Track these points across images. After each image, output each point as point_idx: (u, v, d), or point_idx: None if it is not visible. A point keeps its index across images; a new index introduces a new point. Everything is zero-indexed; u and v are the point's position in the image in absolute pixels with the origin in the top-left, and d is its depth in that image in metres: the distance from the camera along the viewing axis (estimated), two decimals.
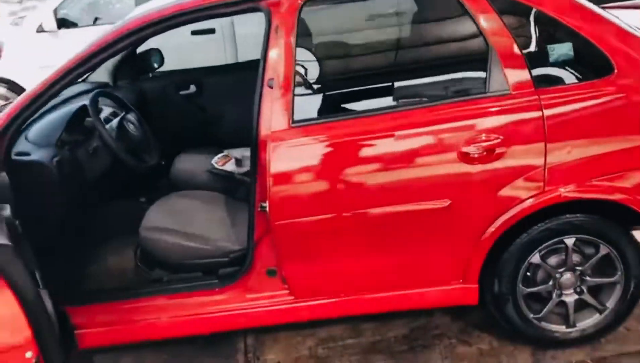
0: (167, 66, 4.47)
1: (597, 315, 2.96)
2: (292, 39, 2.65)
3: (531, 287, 2.90)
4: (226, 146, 3.89)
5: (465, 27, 2.71)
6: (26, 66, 6.40)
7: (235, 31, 6.68)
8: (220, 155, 3.78)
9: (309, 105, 2.80)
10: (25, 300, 1.87)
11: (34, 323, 1.88)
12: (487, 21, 2.64)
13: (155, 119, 3.90)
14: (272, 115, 2.68)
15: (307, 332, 3.30)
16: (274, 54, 2.70)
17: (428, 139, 2.66)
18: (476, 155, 2.62)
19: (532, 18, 2.84)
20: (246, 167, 3.68)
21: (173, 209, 3.28)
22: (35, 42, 6.59)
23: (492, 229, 2.75)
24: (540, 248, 2.82)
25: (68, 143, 3.18)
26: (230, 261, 3.05)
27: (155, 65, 4.37)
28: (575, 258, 2.87)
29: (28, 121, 2.91)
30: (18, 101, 2.81)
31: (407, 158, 2.66)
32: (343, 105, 2.85)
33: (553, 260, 2.88)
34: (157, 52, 4.30)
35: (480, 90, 2.67)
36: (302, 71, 2.69)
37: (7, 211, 2.30)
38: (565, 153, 2.66)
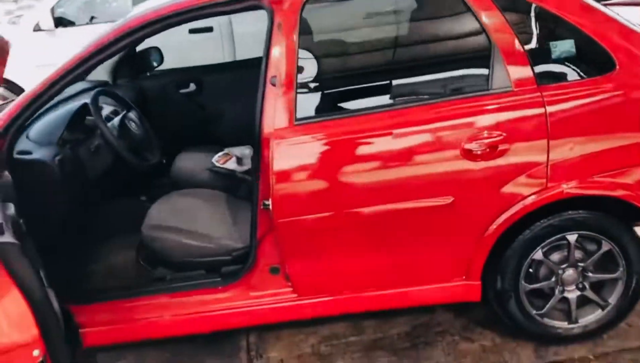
0: (165, 65, 4.47)
1: (599, 311, 2.97)
2: (295, 37, 2.65)
3: (534, 284, 2.91)
4: (226, 144, 3.89)
5: (467, 24, 2.71)
6: (23, 65, 6.38)
7: (233, 30, 6.68)
8: (220, 153, 3.78)
9: (312, 103, 2.80)
10: (32, 298, 1.87)
11: (41, 322, 1.88)
12: (490, 18, 2.64)
13: (155, 118, 3.90)
14: (274, 113, 2.68)
15: (309, 329, 3.30)
16: (277, 51, 2.70)
17: (431, 137, 2.66)
18: (479, 152, 2.63)
19: (534, 15, 2.84)
20: (247, 165, 3.68)
21: (175, 207, 3.28)
22: (32, 41, 6.58)
23: (494, 226, 2.75)
24: (542, 244, 2.83)
25: (69, 141, 3.18)
26: (233, 259, 3.05)
27: (155, 63, 4.37)
28: (578, 254, 2.88)
29: (29, 120, 2.91)
30: (19, 100, 2.80)
31: (410, 155, 2.66)
32: (346, 103, 2.86)
33: (555, 257, 2.88)
34: (157, 50, 4.29)
35: (483, 87, 2.68)
36: (305, 68, 2.66)
37: (12, 209, 2.30)
38: (568, 149, 2.66)
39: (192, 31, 6.36)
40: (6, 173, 2.65)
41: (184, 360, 3.22)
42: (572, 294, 2.93)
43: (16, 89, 6.32)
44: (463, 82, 2.79)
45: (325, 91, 2.89)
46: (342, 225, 2.74)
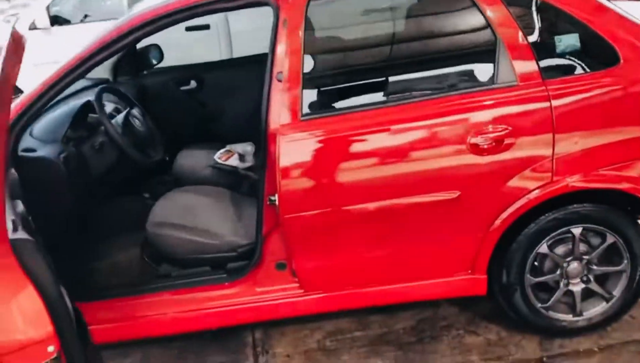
0: (163, 63, 4.45)
1: (604, 303, 2.99)
2: (300, 33, 2.65)
3: (539, 277, 2.92)
4: (227, 141, 3.89)
5: (473, 18, 2.72)
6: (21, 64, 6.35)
7: (230, 27, 6.67)
8: (222, 150, 3.78)
9: (318, 98, 2.81)
10: (46, 294, 1.87)
11: (55, 318, 1.88)
12: (495, 12, 2.65)
13: (156, 115, 3.88)
14: (281, 109, 2.68)
15: (314, 325, 3.30)
16: (282, 47, 2.70)
17: (437, 131, 2.67)
18: (485, 146, 2.64)
19: (538, 9, 2.85)
20: (249, 162, 3.69)
21: (179, 204, 3.28)
22: (28, 40, 6.53)
23: (500, 220, 2.77)
24: (548, 237, 2.84)
25: (73, 139, 3.17)
26: (238, 255, 3.06)
27: (154, 61, 4.35)
28: (582, 247, 2.89)
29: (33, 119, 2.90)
30: (23, 99, 2.80)
31: (416, 150, 2.67)
32: (352, 98, 2.86)
33: (560, 250, 2.90)
34: (157, 48, 4.28)
35: (488, 81, 2.69)
36: (310, 63, 2.67)
37: (21, 206, 2.29)
38: (573, 143, 2.68)
39: (188, 29, 6.31)
40: (12, 170, 2.65)
41: (190, 357, 3.22)
42: (577, 287, 2.95)
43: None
44: (469, 77, 2.80)
45: (332, 87, 2.90)
46: (348, 220, 2.74)
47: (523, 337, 3.08)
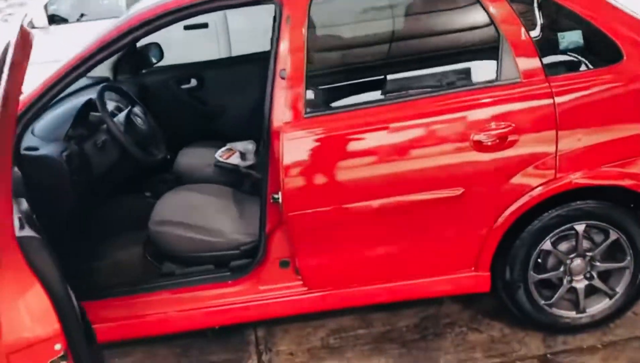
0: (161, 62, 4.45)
1: (607, 300, 2.99)
2: (304, 30, 2.64)
3: (542, 274, 2.93)
4: (227, 139, 3.89)
5: (476, 15, 2.71)
6: None
7: (229, 26, 6.66)
8: (223, 148, 3.77)
9: (321, 96, 2.80)
10: (53, 292, 1.86)
11: (62, 316, 1.87)
12: (498, 9, 2.65)
13: (156, 114, 3.87)
14: (284, 106, 2.67)
15: (317, 323, 3.30)
16: (285, 45, 2.69)
17: (441, 128, 2.67)
18: (489, 143, 2.64)
19: (541, 6, 2.85)
20: (250, 160, 3.69)
21: (181, 202, 3.28)
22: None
23: (504, 217, 2.77)
24: (551, 234, 2.84)
25: (74, 137, 3.16)
26: (242, 253, 3.05)
27: (154, 60, 4.34)
28: (585, 244, 2.89)
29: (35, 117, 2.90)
30: (25, 97, 2.79)
31: (419, 147, 2.67)
32: (356, 96, 2.86)
33: (563, 246, 2.90)
34: (157, 46, 4.27)
35: (492, 78, 2.69)
36: (314, 61, 2.67)
37: (25, 204, 2.29)
38: (576, 140, 2.68)
39: (187, 27, 6.30)
40: (15, 168, 2.64)
41: (193, 355, 3.21)
42: (580, 284, 2.95)
43: None
44: (472, 74, 2.79)
45: (335, 84, 2.90)
46: (352, 218, 2.74)
47: (526, 334, 3.08)
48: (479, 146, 2.64)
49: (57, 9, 6.69)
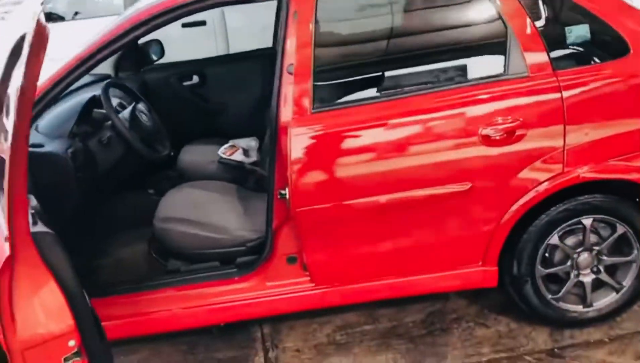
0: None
1: (614, 294, 2.99)
2: (311, 24, 2.63)
3: (549, 268, 2.93)
4: (230, 136, 3.88)
5: (484, 10, 2.71)
6: None
7: (227, 23, 6.65)
8: (226, 145, 3.76)
9: (329, 91, 2.79)
10: (67, 288, 1.85)
11: (76, 312, 1.86)
12: (506, 3, 2.65)
13: (159, 110, 3.87)
14: (292, 101, 2.66)
15: (323, 319, 3.29)
16: (292, 40, 2.68)
17: (449, 123, 2.67)
18: (497, 138, 2.64)
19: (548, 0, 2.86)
20: (253, 157, 3.68)
21: (186, 199, 3.26)
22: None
23: (512, 211, 2.77)
24: (558, 229, 2.84)
25: (78, 134, 3.15)
26: (248, 250, 3.04)
27: (155, 57, 4.33)
28: (593, 238, 2.89)
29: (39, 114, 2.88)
30: None
31: (428, 142, 2.67)
32: (363, 91, 2.85)
33: (570, 241, 2.90)
34: (158, 43, 4.26)
35: (500, 73, 2.68)
36: (321, 56, 2.66)
37: (34, 201, 2.27)
38: (584, 134, 2.68)
39: (185, 25, 6.30)
40: None
41: (200, 352, 3.20)
42: (587, 277, 2.95)
43: None
44: (480, 68, 2.79)
45: (343, 79, 2.89)
46: (360, 213, 2.74)
47: (533, 328, 3.08)
48: (487, 141, 2.64)
49: (54, 7, 6.68)
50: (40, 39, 1.67)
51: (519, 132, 2.64)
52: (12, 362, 1.80)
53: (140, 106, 3.53)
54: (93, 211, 3.31)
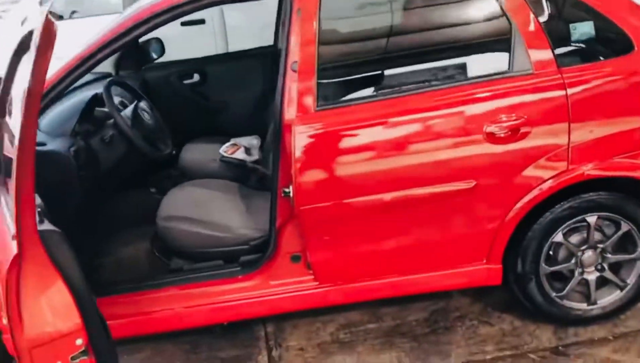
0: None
1: (618, 291, 2.99)
2: (315, 22, 2.62)
3: (554, 266, 2.92)
4: (230, 134, 3.87)
5: (488, 7, 2.70)
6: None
7: (226, 22, 6.64)
8: (228, 144, 3.75)
9: (333, 88, 2.78)
10: (74, 287, 1.84)
11: (83, 311, 1.85)
12: (510, 0, 2.64)
13: (159, 109, 3.85)
14: (296, 99, 2.65)
15: (325, 318, 3.28)
16: (296, 37, 2.67)
17: (453, 120, 2.66)
18: (501, 135, 2.63)
19: None
20: (255, 155, 3.67)
21: (189, 198, 3.25)
22: (20, 35, 6.46)
23: (516, 208, 2.76)
24: (563, 226, 2.84)
25: (80, 133, 3.14)
26: (251, 248, 3.03)
27: (155, 55, 4.31)
28: (597, 235, 2.89)
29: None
30: None
31: (433, 139, 2.66)
32: (368, 88, 2.84)
33: (575, 239, 2.90)
34: (158, 42, 4.25)
35: (504, 70, 2.68)
36: (325, 53, 2.65)
37: (39, 199, 2.26)
38: (588, 131, 2.68)
39: (184, 24, 6.29)
40: None
41: (203, 351, 3.19)
42: (591, 275, 2.95)
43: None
44: (484, 65, 2.78)
45: (347, 77, 2.88)
46: (365, 211, 2.72)
47: (537, 326, 3.08)
48: (491, 138, 2.64)
49: (52, 6, 6.64)
50: (48, 35, 1.66)
51: (523, 129, 2.64)
52: (20, 361, 1.79)
53: (142, 104, 3.52)
54: (95, 209, 3.29)
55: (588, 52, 2.77)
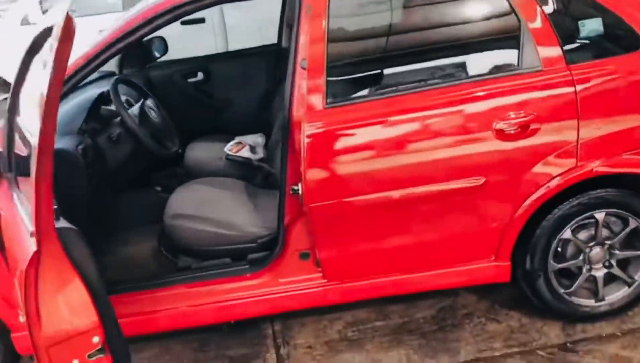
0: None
1: (626, 288, 3.00)
2: (324, 19, 2.62)
3: (562, 262, 2.92)
4: (234, 133, 3.87)
5: (497, 4, 2.71)
6: (11, 59, 6.26)
7: (225, 21, 6.64)
8: (233, 142, 3.75)
9: (342, 86, 2.78)
10: (90, 284, 1.84)
11: (100, 308, 1.84)
12: None
13: (164, 107, 3.85)
14: (305, 96, 2.64)
15: (333, 315, 3.29)
16: (305, 35, 2.66)
17: (463, 117, 2.66)
18: (511, 132, 2.63)
19: None
20: (260, 153, 3.67)
21: (196, 196, 3.25)
22: (20, 35, 6.46)
23: (525, 205, 2.76)
24: (571, 223, 2.84)
25: (86, 131, 3.14)
26: (259, 246, 3.02)
27: (158, 54, 4.31)
28: (605, 232, 2.90)
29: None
30: None
31: (442, 136, 2.66)
32: (376, 86, 2.84)
33: (583, 235, 2.91)
34: (162, 40, 4.24)
35: (513, 67, 2.68)
36: (334, 50, 2.65)
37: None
38: (597, 127, 2.68)
39: (184, 23, 6.29)
40: None
41: (211, 350, 3.19)
42: (599, 272, 2.96)
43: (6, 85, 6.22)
44: (493, 62, 2.79)
45: (356, 74, 2.88)
46: (374, 209, 2.72)
47: (545, 323, 3.08)
48: (501, 135, 2.64)
49: (52, 5, 6.63)
50: (68, 33, 1.65)
51: (533, 126, 2.64)
52: (38, 359, 1.78)
53: (149, 102, 3.51)
54: (102, 208, 3.28)
55: (597, 49, 2.77)
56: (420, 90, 2.70)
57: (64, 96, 2.84)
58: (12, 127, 2.38)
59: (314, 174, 2.63)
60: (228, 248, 3.06)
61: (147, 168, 3.67)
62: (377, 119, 2.66)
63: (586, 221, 2.87)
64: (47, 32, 2.01)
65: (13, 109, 2.38)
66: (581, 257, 2.92)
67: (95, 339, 1.83)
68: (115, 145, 3.22)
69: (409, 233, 2.82)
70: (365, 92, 2.84)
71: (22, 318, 1.80)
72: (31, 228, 1.75)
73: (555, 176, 2.72)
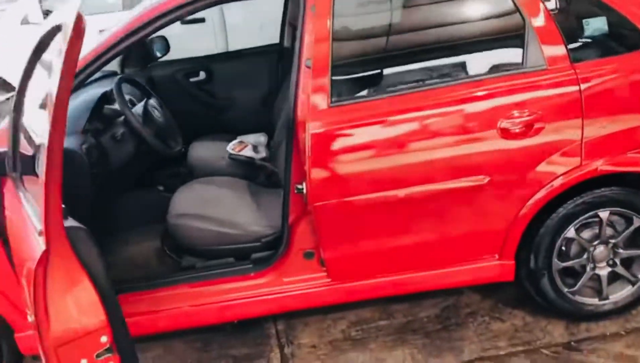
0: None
1: (630, 286, 3.00)
2: (329, 18, 2.61)
3: (566, 261, 2.92)
4: (236, 132, 3.87)
5: (501, 2, 2.71)
6: (11, 59, 6.25)
7: (225, 20, 6.64)
8: (235, 141, 3.75)
9: (347, 85, 2.78)
10: (98, 283, 1.83)
11: (108, 307, 1.84)
12: None
13: (166, 107, 3.84)
14: (309, 96, 2.64)
15: (336, 315, 3.28)
16: (310, 34, 2.66)
17: (467, 116, 2.65)
18: (516, 131, 2.63)
19: None
20: (262, 153, 3.67)
21: (199, 195, 3.25)
22: (20, 35, 6.46)
23: (529, 204, 2.76)
24: (575, 222, 2.84)
25: (90, 131, 3.13)
26: (263, 245, 3.02)
27: (159, 54, 4.30)
28: (609, 231, 2.90)
29: None
30: None
31: (446, 135, 2.66)
32: (381, 84, 2.84)
33: (587, 234, 2.91)
34: (163, 40, 4.23)
35: (518, 65, 2.68)
36: (340, 49, 2.65)
37: None
38: (602, 126, 2.68)
39: (184, 22, 6.29)
40: None
41: (214, 350, 3.18)
42: (603, 271, 2.96)
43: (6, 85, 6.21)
44: (498, 61, 2.79)
45: (361, 73, 2.87)
46: (378, 208, 2.72)
47: (549, 322, 3.08)
48: (505, 134, 2.63)
49: (52, 5, 6.63)
50: (78, 32, 1.64)
51: (537, 125, 2.64)
52: (46, 358, 1.78)
53: (152, 101, 3.51)
54: (105, 207, 3.28)
55: (601, 48, 2.78)
56: (425, 89, 2.70)
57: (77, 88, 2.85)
58: (17, 126, 2.37)
59: (319, 173, 2.63)
60: (231, 247, 3.06)
61: (151, 167, 3.67)
62: (382, 118, 2.65)
63: (590, 220, 2.87)
64: (54, 32, 2.00)
65: (18, 109, 2.37)
66: (585, 256, 2.92)
67: (104, 338, 1.83)
68: (119, 145, 3.21)
69: (414, 232, 2.82)
70: (370, 91, 2.83)
71: (30, 318, 1.80)
72: (39, 227, 1.75)
73: (560, 175, 2.72)
